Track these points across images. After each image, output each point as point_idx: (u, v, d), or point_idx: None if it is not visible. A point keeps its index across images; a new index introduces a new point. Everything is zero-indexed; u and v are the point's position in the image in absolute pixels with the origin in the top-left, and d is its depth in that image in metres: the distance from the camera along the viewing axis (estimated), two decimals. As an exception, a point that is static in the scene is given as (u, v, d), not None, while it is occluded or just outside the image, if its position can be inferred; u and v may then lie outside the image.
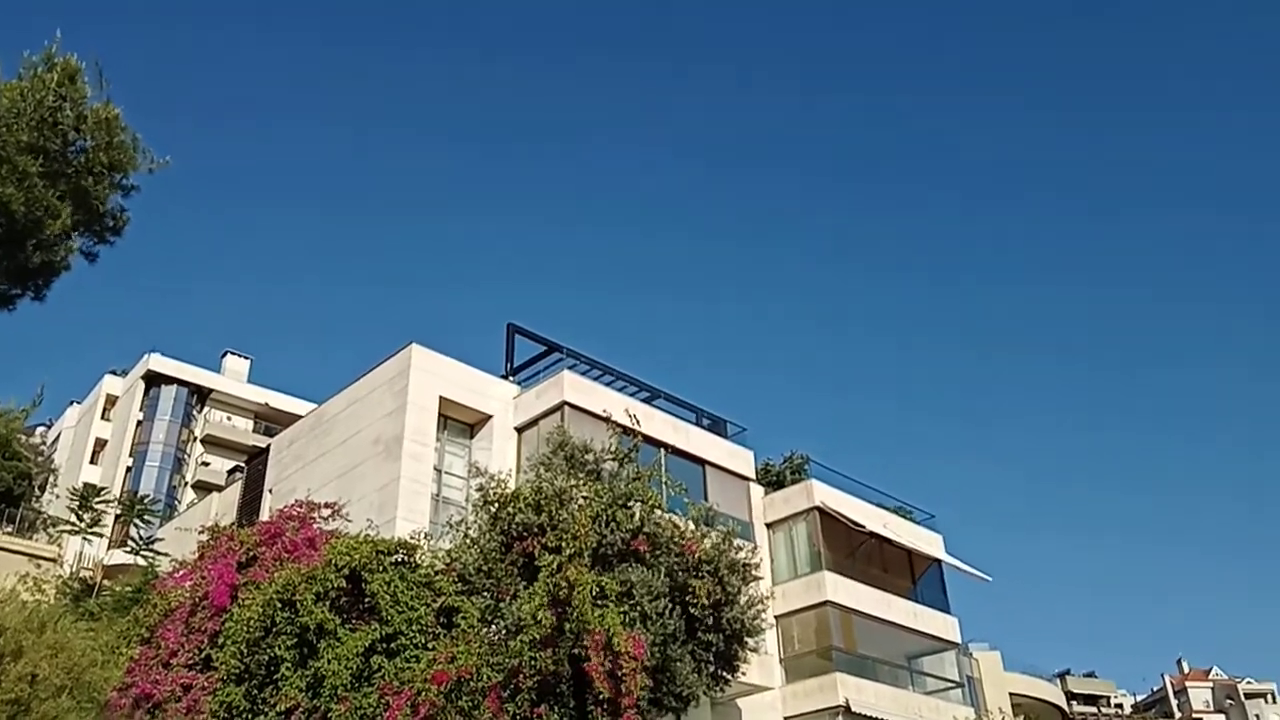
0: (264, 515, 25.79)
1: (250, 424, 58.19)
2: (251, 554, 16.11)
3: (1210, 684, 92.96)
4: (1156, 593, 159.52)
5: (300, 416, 33.04)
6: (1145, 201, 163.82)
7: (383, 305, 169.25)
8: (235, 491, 32.01)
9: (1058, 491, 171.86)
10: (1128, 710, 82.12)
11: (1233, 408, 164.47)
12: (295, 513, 17.68)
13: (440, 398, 25.66)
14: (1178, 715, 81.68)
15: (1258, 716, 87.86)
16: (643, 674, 12.22)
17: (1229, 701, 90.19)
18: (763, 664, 26.94)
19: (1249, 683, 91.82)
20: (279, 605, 13.59)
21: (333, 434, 27.09)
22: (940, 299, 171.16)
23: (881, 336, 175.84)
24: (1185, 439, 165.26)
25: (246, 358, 61.42)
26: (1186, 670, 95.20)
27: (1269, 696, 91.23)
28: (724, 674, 16.82)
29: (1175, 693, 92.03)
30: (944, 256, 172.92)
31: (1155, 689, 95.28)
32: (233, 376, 59.53)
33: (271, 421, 55.50)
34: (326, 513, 18.55)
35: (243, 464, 36.60)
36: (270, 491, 28.41)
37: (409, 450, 24.21)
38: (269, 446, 30.92)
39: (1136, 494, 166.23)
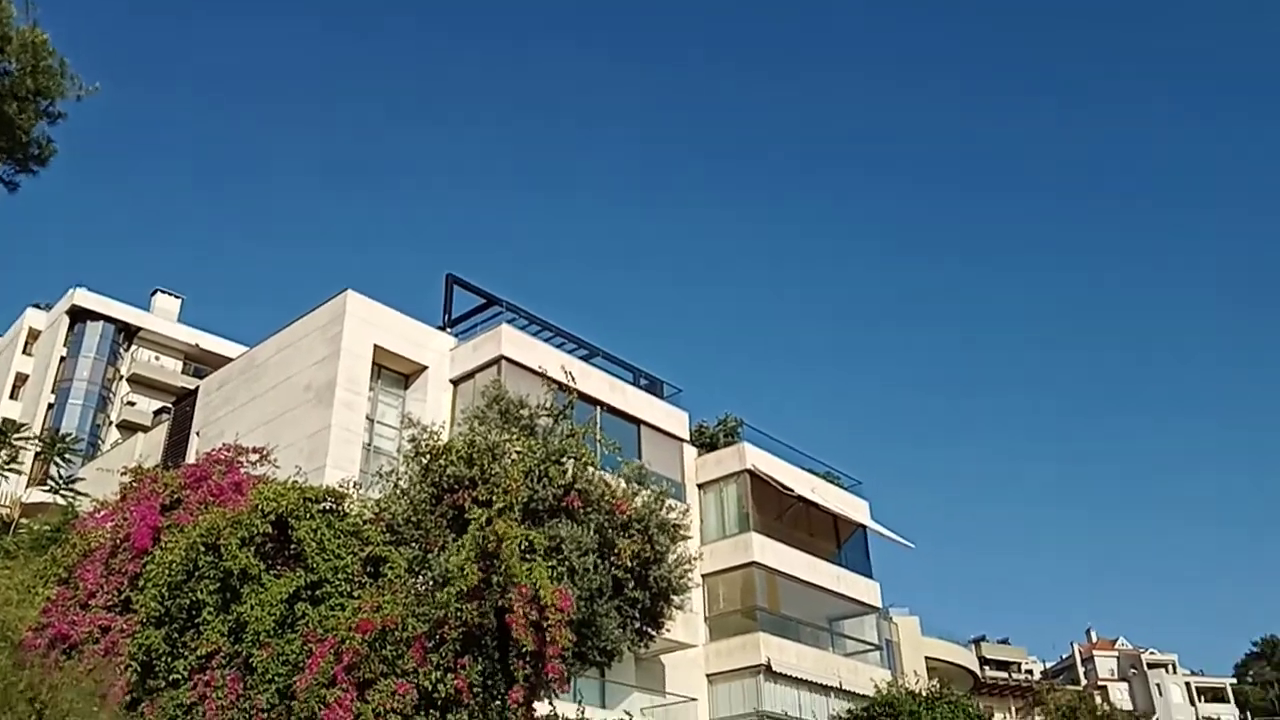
0: (190, 458, 25.38)
1: (179, 365, 56.95)
2: (176, 496, 15.83)
3: (1116, 653, 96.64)
4: (1071, 564, 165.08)
5: (231, 359, 32.47)
6: (1064, 179, 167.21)
7: (318, 250, 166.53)
8: (161, 433, 31.44)
9: (984, 460, 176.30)
10: (1037, 676, 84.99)
11: (1156, 380, 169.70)
12: (222, 456, 17.41)
13: (375, 346, 25.40)
14: (1084, 682, 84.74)
15: (1158, 685, 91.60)
16: (568, 628, 12.32)
17: (1132, 670, 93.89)
18: (687, 622, 27.37)
19: (1152, 653, 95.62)
20: (202, 549, 13.39)
21: (264, 378, 26.68)
22: (875, 267, 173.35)
23: (821, 304, 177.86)
24: (1112, 411, 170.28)
25: (178, 297, 59.92)
26: (1094, 640, 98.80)
27: (1169, 667, 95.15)
28: (649, 630, 17.01)
29: (1083, 661, 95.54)
30: (882, 225, 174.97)
31: (1065, 657, 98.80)
32: (162, 315, 58.07)
33: (201, 363, 54.37)
34: (254, 458, 18.27)
35: (170, 405, 35.92)
36: (198, 434, 27.96)
37: (341, 398, 23.97)
38: (198, 388, 30.38)
39: (1056, 463, 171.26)
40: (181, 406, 30.92)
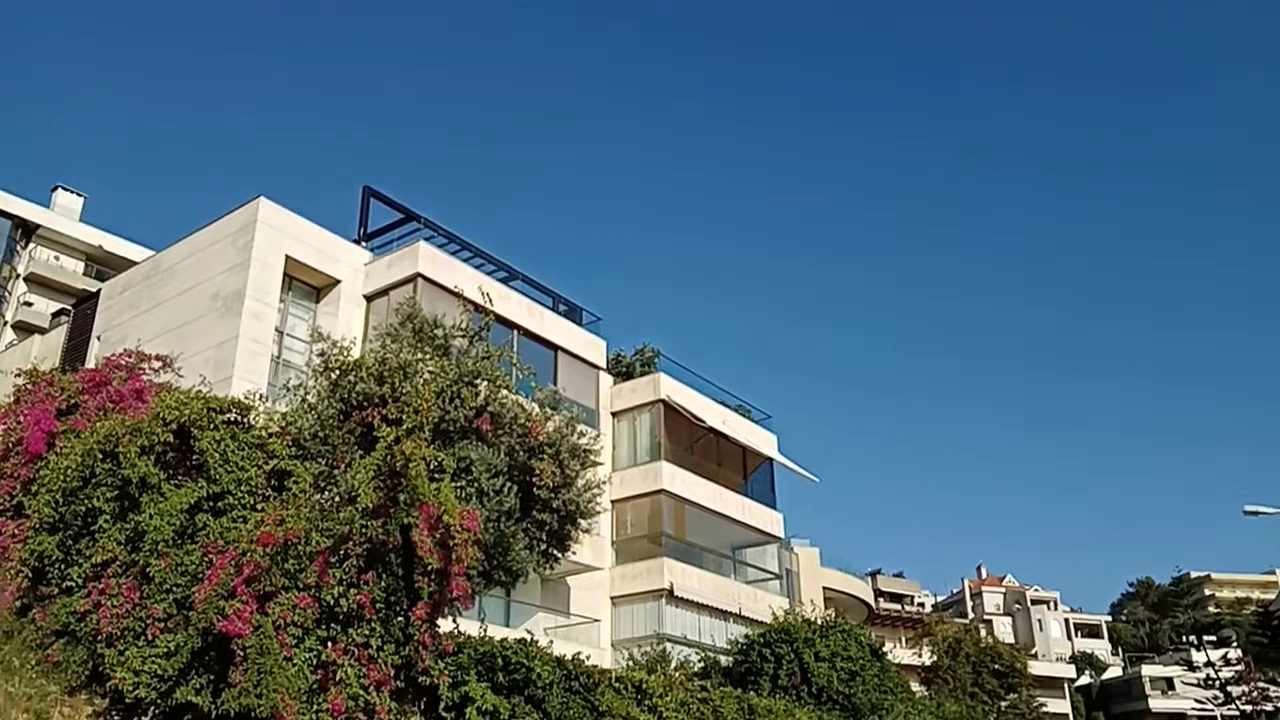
0: (90, 363, 24.64)
1: (81, 266, 54.63)
2: (73, 401, 15.36)
3: (1003, 590, 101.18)
4: (967, 504, 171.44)
5: (136, 263, 31.38)
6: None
7: (231, 151, 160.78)
8: (60, 335, 30.39)
9: (890, 403, 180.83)
10: (929, 609, 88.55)
11: (1056, 326, 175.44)
12: (124, 362, 16.91)
13: (287, 257, 24.77)
14: (971, 615, 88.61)
15: (1039, 621, 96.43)
16: (474, 547, 12.36)
17: (1017, 606, 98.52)
18: (595, 545, 27.80)
19: (1036, 591, 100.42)
20: (100, 456, 13.02)
21: (170, 284, 25.88)
22: (788, 209, 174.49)
23: (726, 242, 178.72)
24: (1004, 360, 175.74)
25: (80, 195, 57.21)
26: (984, 576, 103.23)
27: (1051, 604, 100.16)
28: (555, 553, 17.22)
29: (972, 595, 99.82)
30: (791, 166, 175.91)
31: (955, 591, 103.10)
32: (63, 213, 55.42)
33: (104, 265, 52.24)
34: (158, 365, 17.81)
35: (70, 307, 34.61)
36: (99, 339, 27.10)
37: (250, 309, 23.40)
38: (100, 291, 29.36)
39: (960, 405, 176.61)
40: (82, 309, 29.87)
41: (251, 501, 13.07)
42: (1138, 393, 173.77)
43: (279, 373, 23.48)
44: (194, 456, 13.23)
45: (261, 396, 15.23)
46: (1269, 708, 47.92)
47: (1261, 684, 50.33)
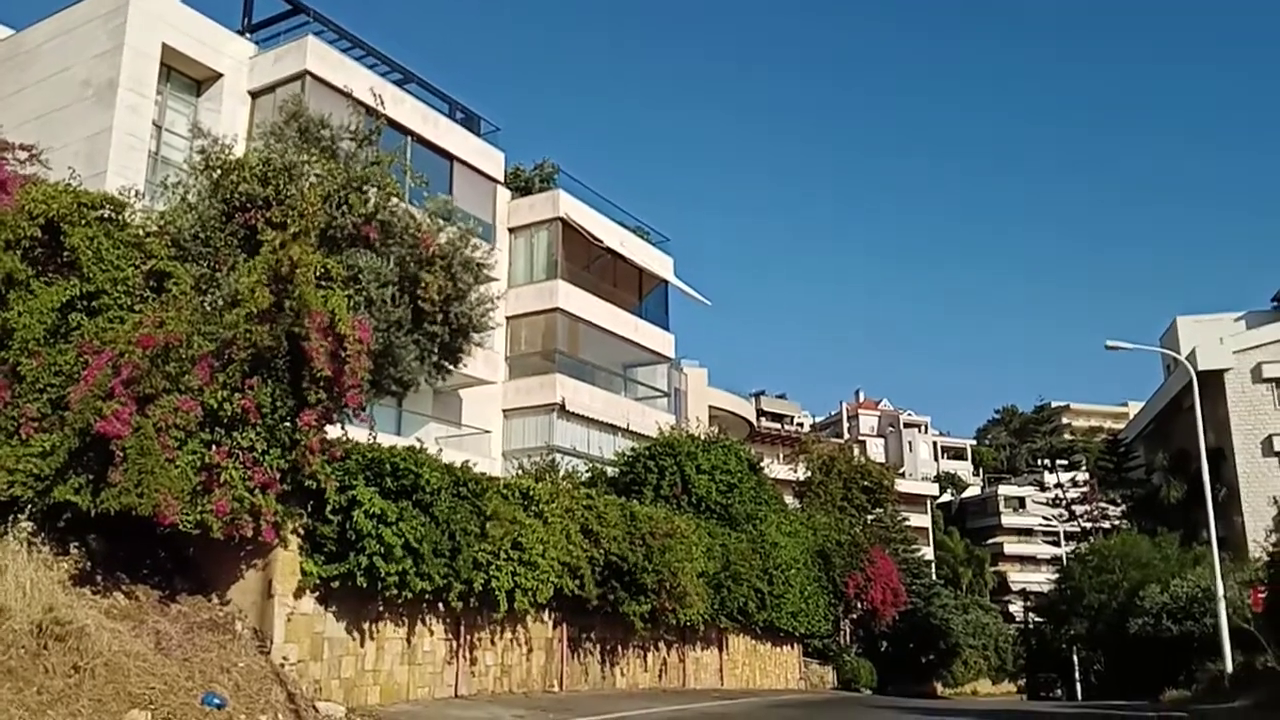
0: (-55, 149, 22.98)
1: (-70, 41, 50.21)
2: (-73, 189, 14.39)
3: (878, 413, 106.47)
4: (852, 332, 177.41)
5: (-7, 42, 28.87)
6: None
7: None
8: (-91, 118, 28.07)
9: (788, 228, 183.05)
10: (808, 429, 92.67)
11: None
12: (-17, 151, 15.78)
13: (164, 45, 23.20)
14: (847, 436, 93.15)
15: (910, 443, 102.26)
16: (365, 358, 12.31)
17: (890, 429, 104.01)
18: (488, 359, 28.04)
19: (909, 415, 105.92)
20: (-39, 250, 12.38)
21: (33, 67, 24.04)
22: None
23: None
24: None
25: (-76, -40, 51.90)
26: (862, 400, 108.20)
27: (922, 428, 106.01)
28: (446, 365, 17.30)
29: (849, 418, 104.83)
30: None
31: (834, 413, 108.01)
32: (-94, -20, 50.39)
33: (-43, 42, 48.09)
34: (22, 155, 16.70)
35: (-81, 87, 31.89)
36: (-46, 123, 25.18)
37: (125, 100, 22.03)
38: (-48, 71, 27.04)
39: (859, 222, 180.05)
40: (-67, 89, 27.55)
41: (129, 302, 12.66)
42: (1023, 232, 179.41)
43: (157, 170, 22.36)
44: (65, 254, 12.65)
45: (138, 194, 14.53)
46: (1106, 525, 52.39)
47: (1102, 504, 54.79)
